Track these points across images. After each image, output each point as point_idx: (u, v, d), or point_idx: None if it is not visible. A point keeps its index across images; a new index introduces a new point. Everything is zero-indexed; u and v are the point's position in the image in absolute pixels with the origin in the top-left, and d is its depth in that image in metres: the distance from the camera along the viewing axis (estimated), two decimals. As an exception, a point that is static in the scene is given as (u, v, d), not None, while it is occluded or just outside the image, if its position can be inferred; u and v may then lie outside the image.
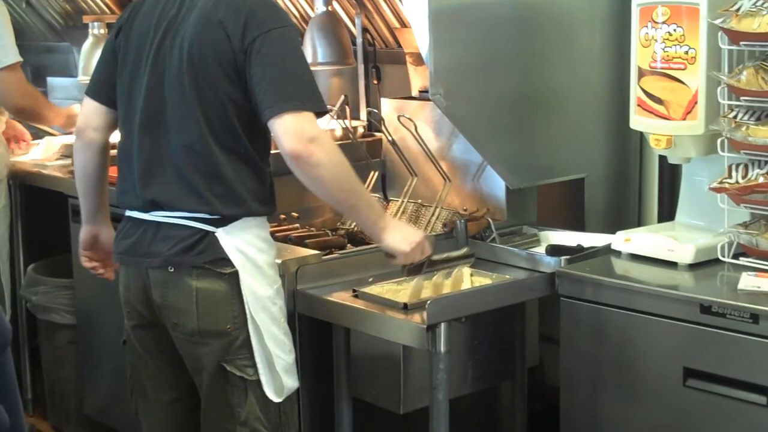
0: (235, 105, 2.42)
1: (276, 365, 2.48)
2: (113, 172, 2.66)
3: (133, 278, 2.56)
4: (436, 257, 2.62)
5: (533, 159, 3.15)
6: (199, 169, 2.43)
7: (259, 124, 2.43)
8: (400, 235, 2.51)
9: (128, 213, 2.57)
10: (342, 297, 2.70)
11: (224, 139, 2.43)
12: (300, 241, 3.01)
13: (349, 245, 3.11)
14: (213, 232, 2.44)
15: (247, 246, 2.46)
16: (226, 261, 2.44)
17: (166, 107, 2.46)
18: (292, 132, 2.33)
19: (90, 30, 4.51)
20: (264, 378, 2.48)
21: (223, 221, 2.44)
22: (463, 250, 2.75)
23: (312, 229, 3.26)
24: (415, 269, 2.58)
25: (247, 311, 2.45)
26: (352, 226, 3.30)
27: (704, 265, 2.65)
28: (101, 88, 2.65)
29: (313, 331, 2.80)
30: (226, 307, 2.45)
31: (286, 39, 2.41)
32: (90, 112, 2.67)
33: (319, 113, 2.40)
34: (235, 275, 2.44)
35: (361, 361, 2.81)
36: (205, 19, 2.43)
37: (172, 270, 2.46)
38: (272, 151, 2.51)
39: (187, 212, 2.45)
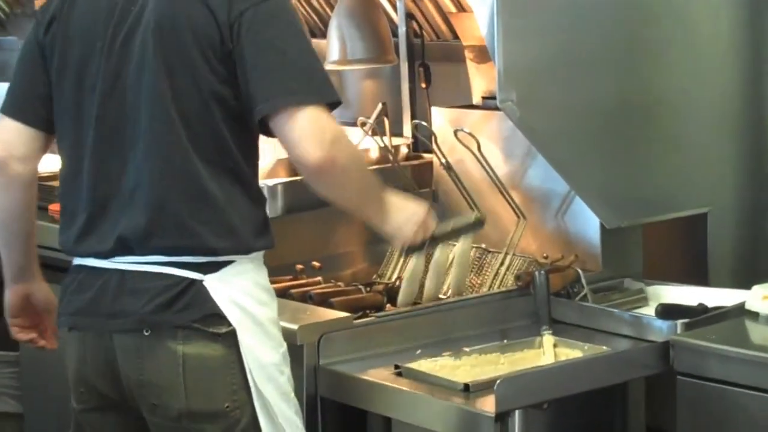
0: (219, 103, 2.43)
1: None
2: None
3: (91, 347, 2.54)
4: (438, 232, 2.75)
5: (637, 188, 3.15)
6: (180, 190, 2.43)
7: (251, 128, 2.44)
8: (402, 216, 2.63)
9: (79, 261, 2.56)
10: (381, 375, 2.70)
11: (208, 150, 2.44)
12: (324, 300, 3.01)
13: (388, 305, 3.10)
14: (200, 281, 2.44)
15: (245, 297, 2.46)
16: (220, 317, 2.44)
17: (129, 117, 2.46)
18: (310, 135, 2.37)
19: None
20: None
21: (212, 266, 2.44)
22: (473, 217, 2.90)
23: (339, 283, 3.26)
24: (415, 247, 2.71)
25: (251, 383, 2.45)
26: (394, 281, 3.29)
27: None
28: (26, 104, 2.63)
29: (342, 419, 2.80)
30: (222, 378, 2.45)
31: (283, 13, 2.44)
32: (12, 137, 2.63)
33: (332, 104, 2.43)
34: (233, 336, 2.44)
35: (407, 462, 2.80)
36: None
37: (148, 333, 2.45)
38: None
39: (163, 255, 2.44)
